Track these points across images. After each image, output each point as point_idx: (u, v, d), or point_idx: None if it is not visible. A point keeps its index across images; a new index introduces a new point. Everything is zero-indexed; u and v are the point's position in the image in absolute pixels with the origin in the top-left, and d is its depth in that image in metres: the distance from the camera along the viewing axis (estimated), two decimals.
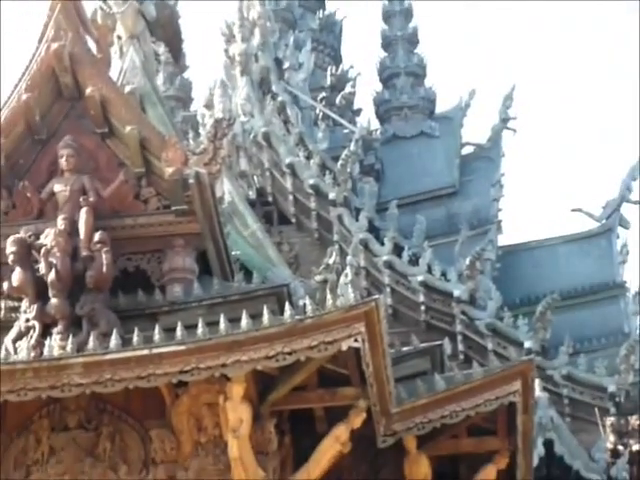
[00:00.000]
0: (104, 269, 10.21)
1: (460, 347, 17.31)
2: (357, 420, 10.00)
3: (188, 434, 9.88)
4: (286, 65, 20.62)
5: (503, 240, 19.84)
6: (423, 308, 17.80)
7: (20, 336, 10.08)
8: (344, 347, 9.35)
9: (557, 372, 16.74)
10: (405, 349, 11.61)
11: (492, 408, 10.45)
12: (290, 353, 9.30)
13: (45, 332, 10.03)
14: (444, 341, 12.51)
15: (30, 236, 10.40)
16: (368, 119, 21.52)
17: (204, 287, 10.60)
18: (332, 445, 10.00)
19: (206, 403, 9.85)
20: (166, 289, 10.64)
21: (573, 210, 19.56)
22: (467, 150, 21.33)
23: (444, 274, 17.85)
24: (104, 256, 10.25)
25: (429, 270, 17.87)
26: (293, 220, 19.69)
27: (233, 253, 12.32)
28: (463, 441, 11.05)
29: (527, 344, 16.76)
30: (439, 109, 22.04)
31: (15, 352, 9.87)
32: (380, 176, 20.53)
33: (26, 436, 10.03)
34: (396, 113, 21.66)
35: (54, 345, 9.79)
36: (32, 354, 9.74)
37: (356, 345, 9.36)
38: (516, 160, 24.89)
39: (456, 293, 17.44)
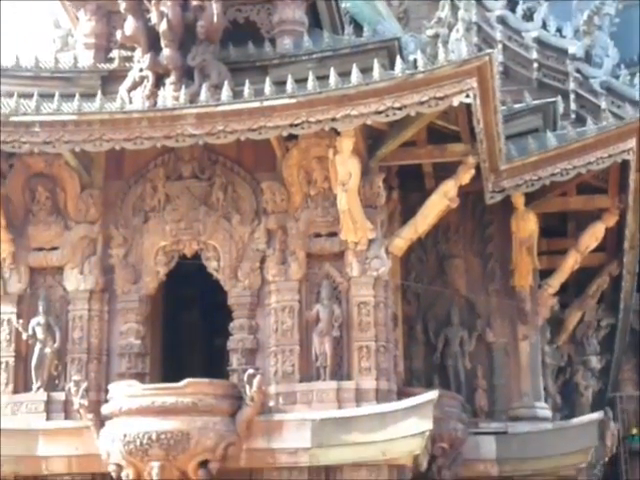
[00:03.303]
0: (214, 19, 10.13)
1: (572, 106, 16.88)
2: (466, 176, 10.03)
3: (298, 186, 10.06)
4: None
5: None
6: (536, 65, 17.30)
7: (134, 86, 10.23)
8: (455, 103, 9.23)
9: None
10: (517, 106, 11.43)
11: (604, 166, 10.33)
12: (400, 108, 9.24)
13: (158, 82, 10.14)
14: (557, 98, 12.23)
15: None
16: None
17: (314, 40, 10.47)
18: (440, 200, 10.10)
19: (316, 157, 9.97)
20: (276, 41, 10.56)
21: None
22: None
23: (559, 30, 17.20)
24: (214, 6, 10.14)
25: (544, 26, 17.23)
26: None
27: (343, 5, 12.06)
28: (572, 199, 11.05)
29: None
30: None
31: (130, 102, 10.04)
32: None
33: (143, 184, 10.39)
34: None
35: (167, 95, 9.91)
36: (146, 104, 9.90)
37: (467, 101, 9.22)
38: None
39: (571, 50, 16.85)
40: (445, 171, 10.23)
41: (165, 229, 10.21)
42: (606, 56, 17.03)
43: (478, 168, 10.04)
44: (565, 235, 11.57)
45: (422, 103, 9.20)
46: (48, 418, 9.89)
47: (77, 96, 9.74)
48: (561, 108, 14.60)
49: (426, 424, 9.16)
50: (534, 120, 11.20)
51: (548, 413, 11.05)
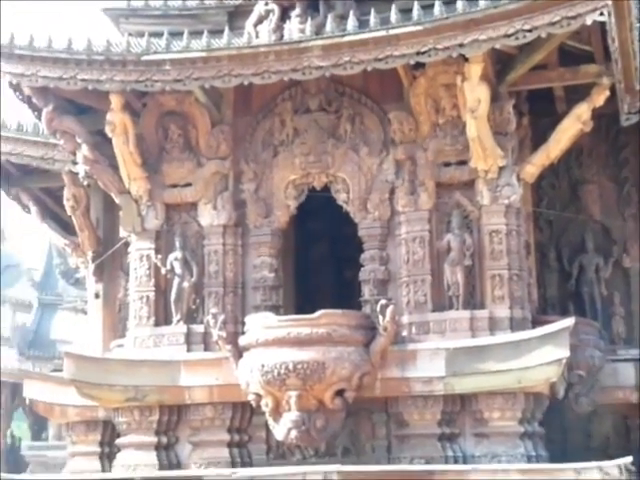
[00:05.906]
0: None
1: None
2: (599, 98, 9.74)
3: (426, 115, 9.96)
4: None
5: None
6: None
7: (260, 20, 10.25)
8: (588, 21, 8.92)
9: None
10: None
11: None
12: (530, 30, 8.99)
13: (284, 15, 10.15)
14: None
15: None
16: None
17: None
18: (573, 124, 9.85)
19: (444, 84, 9.83)
20: None
21: None
22: None
23: None
24: None
25: None
26: None
27: None
28: None
29: None
30: None
31: (256, 36, 10.08)
32: None
33: (271, 118, 10.46)
34: None
35: (293, 28, 9.91)
36: (273, 37, 9.93)
37: (602, 19, 8.89)
38: None
39: None
40: (577, 94, 9.95)
41: (294, 163, 10.27)
42: None
43: (612, 89, 9.74)
44: None
45: (553, 24, 8.93)
46: (188, 350, 10.18)
47: (205, 33, 9.82)
48: None
49: (562, 352, 9.07)
50: None
51: None
